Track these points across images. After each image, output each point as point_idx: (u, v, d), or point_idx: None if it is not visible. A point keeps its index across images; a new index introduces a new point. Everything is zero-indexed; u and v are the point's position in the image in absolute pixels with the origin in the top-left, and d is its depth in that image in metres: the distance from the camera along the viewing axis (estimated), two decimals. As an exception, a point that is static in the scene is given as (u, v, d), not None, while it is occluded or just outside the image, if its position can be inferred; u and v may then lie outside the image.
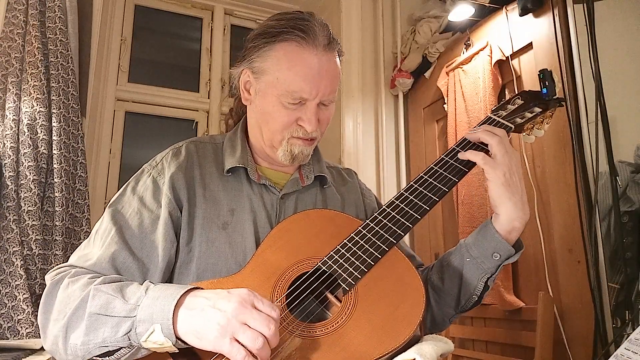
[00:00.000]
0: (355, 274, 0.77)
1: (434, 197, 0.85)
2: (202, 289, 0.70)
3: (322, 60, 0.86)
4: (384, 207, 0.86)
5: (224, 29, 2.98)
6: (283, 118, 0.88)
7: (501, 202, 0.84)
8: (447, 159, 0.90)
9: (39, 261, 1.67)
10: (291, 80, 0.85)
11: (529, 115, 0.98)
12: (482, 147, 0.89)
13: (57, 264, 0.82)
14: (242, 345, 0.62)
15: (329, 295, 0.79)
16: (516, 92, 1.05)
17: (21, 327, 1.56)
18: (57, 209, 1.74)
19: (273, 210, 0.92)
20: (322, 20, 0.89)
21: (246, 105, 0.99)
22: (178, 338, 0.65)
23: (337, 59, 0.91)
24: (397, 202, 0.86)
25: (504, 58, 1.77)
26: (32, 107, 1.76)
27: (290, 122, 0.89)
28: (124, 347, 0.67)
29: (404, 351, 0.70)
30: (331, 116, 0.94)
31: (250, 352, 0.61)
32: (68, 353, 0.69)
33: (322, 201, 0.99)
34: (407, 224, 0.82)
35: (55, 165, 1.76)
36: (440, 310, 0.93)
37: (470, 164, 0.88)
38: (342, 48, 0.93)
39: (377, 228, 0.83)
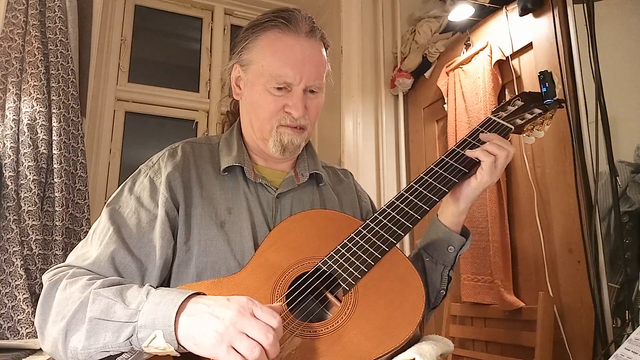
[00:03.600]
0: (355, 274, 0.77)
1: (434, 198, 0.85)
2: (203, 294, 0.70)
3: (304, 45, 0.89)
4: (383, 207, 0.86)
5: (224, 29, 2.98)
6: (270, 105, 0.90)
7: (468, 199, 0.89)
8: (447, 159, 0.90)
9: (39, 261, 1.67)
10: (275, 66, 0.88)
11: (528, 116, 0.98)
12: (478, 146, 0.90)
13: (57, 264, 0.82)
14: (239, 353, 0.61)
15: (329, 295, 0.79)
16: (516, 93, 1.06)
17: (21, 327, 1.56)
18: (57, 209, 1.74)
19: (269, 210, 0.92)
20: (307, 14, 0.93)
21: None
22: (179, 344, 0.65)
23: (322, 49, 0.93)
24: (397, 202, 0.86)
25: (504, 58, 1.77)
26: (32, 107, 1.76)
27: (277, 109, 0.90)
28: (126, 352, 0.67)
29: (404, 351, 0.70)
30: (320, 106, 0.95)
31: None
32: (68, 356, 0.69)
33: (319, 200, 0.99)
34: (407, 224, 0.82)
35: (55, 165, 1.76)
36: None
37: (471, 164, 0.88)
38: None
39: (377, 228, 0.83)
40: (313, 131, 1.01)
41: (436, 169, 0.89)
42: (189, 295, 0.67)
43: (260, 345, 0.61)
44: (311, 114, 0.92)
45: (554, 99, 1.00)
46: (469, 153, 0.89)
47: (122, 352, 0.67)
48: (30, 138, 1.73)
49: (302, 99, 0.89)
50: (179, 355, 0.67)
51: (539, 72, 1.01)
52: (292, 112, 0.89)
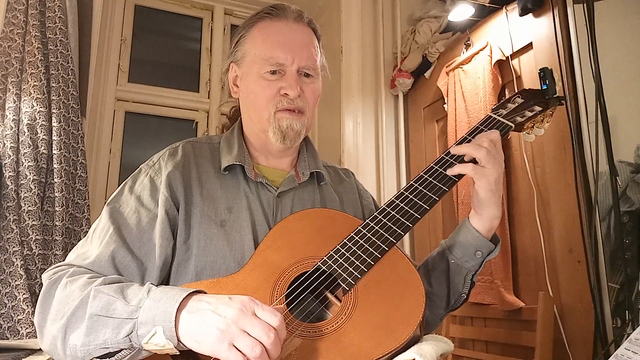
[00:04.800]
0: (355, 273, 0.77)
1: (434, 197, 0.85)
2: (204, 292, 0.70)
3: (293, 28, 0.93)
4: (383, 206, 0.86)
5: (224, 29, 2.98)
6: (265, 91, 0.91)
7: (487, 205, 0.88)
8: (447, 157, 0.90)
9: (39, 261, 1.67)
10: (266, 49, 0.91)
11: (529, 113, 0.98)
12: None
13: (57, 263, 0.82)
14: (240, 352, 0.61)
15: (329, 295, 0.79)
16: (516, 91, 1.05)
17: (21, 327, 1.56)
18: (57, 209, 1.74)
19: (270, 209, 0.92)
20: (296, 7, 0.96)
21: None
22: (179, 340, 0.65)
23: (313, 35, 0.96)
24: (397, 201, 0.86)
25: (504, 58, 1.77)
26: (32, 107, 1.76)
27: (273, 93, 0.91)
28: (125, 349, 0.67)
29: (404, 351, 0.70)
30: (317, 92, 0.95)
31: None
32: (67, 354, 0.69)
33: (320, 200, 0.99)
34: (407, 223, 0.82)
35: (55, 165, 1.76)
36: (431, 312, 0.95)
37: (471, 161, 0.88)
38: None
39: (377, 227, 0.83)
40: (313, 120, 1.00)
41: (436, 167, 0.89)
42: (190, 293, 0.67)
43: (262, 344, 0.61)
44: (308, 98, 0.93)
45: (554, 96, 1.00)
46: (449, 172, 0.87)
47: (121, 349, 0.67)
48: (30, 138, 1.73)
49: (296, 79, 0.90)
50: (178, 353, 0.67)
51: (539, 69, 1.01)
52: (287, 92, 0.90)
